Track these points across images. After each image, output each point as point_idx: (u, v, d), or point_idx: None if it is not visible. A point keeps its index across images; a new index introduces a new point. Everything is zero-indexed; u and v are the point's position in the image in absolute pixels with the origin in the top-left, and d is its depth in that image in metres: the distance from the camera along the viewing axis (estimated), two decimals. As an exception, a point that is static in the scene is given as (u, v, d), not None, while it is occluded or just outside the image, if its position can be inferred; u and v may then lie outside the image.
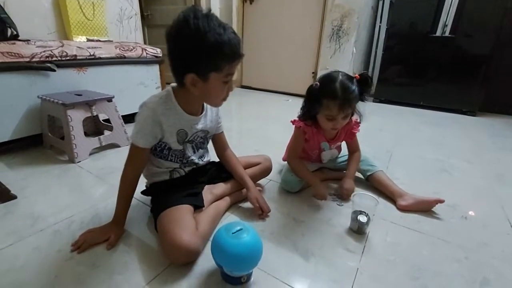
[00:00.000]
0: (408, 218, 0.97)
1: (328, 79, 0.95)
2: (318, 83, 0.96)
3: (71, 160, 1.32)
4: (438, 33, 2.53)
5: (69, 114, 1.27)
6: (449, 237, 0.88)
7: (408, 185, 1.12)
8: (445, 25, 2.49)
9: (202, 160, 0.96)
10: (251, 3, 3.27)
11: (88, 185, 1.15)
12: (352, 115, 1.03)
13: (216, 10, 3.22)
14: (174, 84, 0.81)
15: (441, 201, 0.99)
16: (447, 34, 2.50)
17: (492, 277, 0.73)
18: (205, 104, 0.89)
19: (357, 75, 0.96)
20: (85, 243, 0.77)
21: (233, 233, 0.62)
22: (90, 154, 1.39)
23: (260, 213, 0.93)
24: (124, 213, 0.83)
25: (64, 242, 0.79)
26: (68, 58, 1.48)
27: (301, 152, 1.14)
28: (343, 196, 1.06)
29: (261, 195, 0.98)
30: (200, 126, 0.87)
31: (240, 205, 1.02)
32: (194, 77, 0.70)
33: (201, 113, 0.88)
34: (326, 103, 0.93)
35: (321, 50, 2.96)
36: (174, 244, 0.68)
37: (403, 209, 1.01)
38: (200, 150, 0.94)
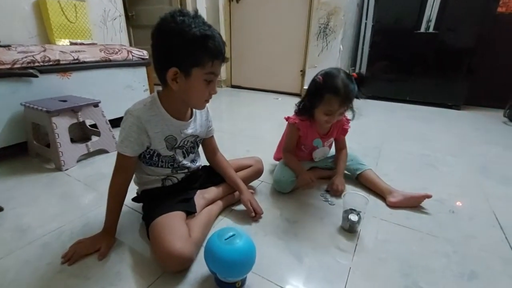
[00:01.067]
0: (397, 215, 1.00)
1: (331, 75, 0.97)
2: (321, 78, 0.98)
3: (58, 168, 1.29)
4: (423, 29, 2.58)
5: (54, 121, 1.23)
6: (437, 231, 0.91)
7: (397, 181, 1.15)
8: (429, 21, 2.54)
9: (194, 164, 0.96)
10: (237, 2, 3.25)
11: (76, 193, 1.13)
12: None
13: (202, 9, 3.19)
14: (159, 89, 0.80)
15: (429, 196, 1.02)
16: (431, 30, 2.55)
17: (480, 269, 0.76)
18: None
19: (354, 74, 0.99)
20: (76, 254, 0.75)
21: (225, 240, 0.62)
22: (78, 161, 1.36)
23: (253, 215, 0.93)
24: (115, 222, 0.82)
25: (54, 254, 0.77)
26: (51, 63, 1.43)
27: (294, 148, 1.16)
28: (335, 192, 1.09)
29: (253, 198, 0.98)
30: (190, 131, 0.86)
31: (233, 208, 1.02)
32: (176, 71, 0.69)
33: (190, 117, 0.87)
34: (328, 98, 0.96)
35: (309, 48, 2.97)
36: (167, 252, 0.68)
37: (393, 205, 1.03)
38: (191, 155, 0.93)
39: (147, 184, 0.88)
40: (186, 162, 0.91)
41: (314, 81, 1.01)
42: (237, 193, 1.00)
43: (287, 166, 1.12)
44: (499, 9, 2.51)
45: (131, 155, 0.77)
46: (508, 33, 2.52)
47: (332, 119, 1.01)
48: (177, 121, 0.82)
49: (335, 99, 0.95)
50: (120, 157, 0.77)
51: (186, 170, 0.93)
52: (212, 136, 1.01)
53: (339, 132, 1.16)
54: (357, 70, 3.39)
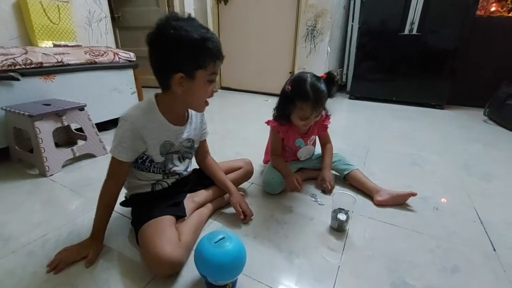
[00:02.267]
0: (384, 213, 1.02)
1: (299, 82, 0.99)
2: (290, 87, 1.00)
3: (42, 174, 1.25)
4: (406, 31, 2.65)
5: (37, 126, 1.20)
6: (422, 228, 0.94)
7: (384, 180, 1.18)
8: (412, 23, 2.61)
9: (186, 171, 0.95)
10: (225, 4, 3.25)
11: (62, 199, 1.10)
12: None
13: (191, 11, 3.17)
14: (157, 93, 0.79)
15: (414, 194, 1.05)
16: (414, 32, 2.62)
17: (461, 263, 0.79)
18: (189, 111, 0.88)
19: (323, 74, 1.01)
20: (62, 262, 0.73)
21: (215, 243, 0.62)
22: (63, 166, 1.33)
23: (242, 217, 0.94)
24: (103, 228, 0.80)
25: (39, 263, 0.75)
26: (33, 66, 1.40)
27: (280, 150, 1.17)
28: (325, 187, 1.11)
29: (243, 199, 0.98)
30: (185, 135, 0.86)
31: (223, 211, 1.02)
32: (182, 76, 0.70)
33: (186, 121, 0.87)
34: (300, 105, 0.98)
35: (297, 50, 3.00)
36: (157, 257, 0.67)
37: (380, 204, 1.06)
38: (187, 160, 0.93)
39: (136, 188, 0.87)
40: (178, 169, 0.90)
41: (283, 90, 1.02)
42: (227, 195, 1.00)
43: (276, 169, 1.13)
44: (478, 12, 2.61)
45: (125, 160, 0.76)
46: (487, 35, 2.62)
47: (309, 122, 1.03)
48: (173, 126, 0.81)
49: (306, 105, 0.96)
50: (114, 162, 0.76)
51: (177, 176, 0.92)
52: (205, 139, 1.01)
53: (320, 129, 1.18)
54: (344, 71, 3.45)
